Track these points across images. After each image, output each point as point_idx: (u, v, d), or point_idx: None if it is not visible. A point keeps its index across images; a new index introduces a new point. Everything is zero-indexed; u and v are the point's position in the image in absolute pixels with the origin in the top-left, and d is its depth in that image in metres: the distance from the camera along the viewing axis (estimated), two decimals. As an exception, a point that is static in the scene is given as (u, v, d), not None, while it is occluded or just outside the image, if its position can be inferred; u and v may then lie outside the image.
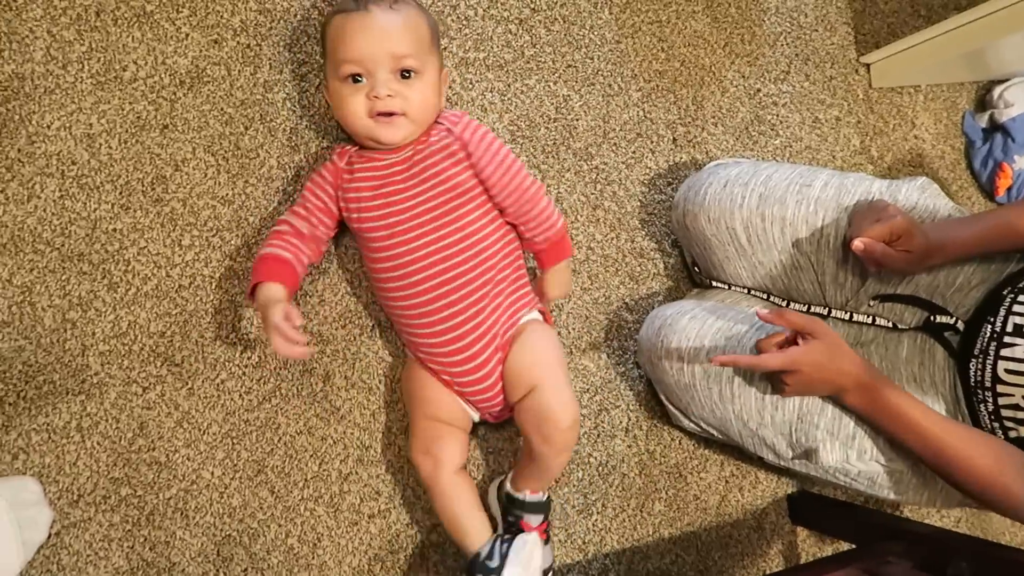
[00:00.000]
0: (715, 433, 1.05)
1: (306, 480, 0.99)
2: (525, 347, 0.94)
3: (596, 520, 1.11)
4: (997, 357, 0.87)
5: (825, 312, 1.02)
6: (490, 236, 0.94)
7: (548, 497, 1.00)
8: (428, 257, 0.90)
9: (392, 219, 0.91)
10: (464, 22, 1.11)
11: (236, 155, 1.00)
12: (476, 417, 1.00)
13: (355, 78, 0.89)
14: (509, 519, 0.99)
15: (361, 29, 0.89)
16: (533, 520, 0.98)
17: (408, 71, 0.90)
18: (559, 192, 1.14)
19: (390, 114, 0.89)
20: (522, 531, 0.95)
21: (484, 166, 0.93)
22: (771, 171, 1.04)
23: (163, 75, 0.98)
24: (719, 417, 1.01)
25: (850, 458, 0.95)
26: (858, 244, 0.90)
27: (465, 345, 0.92)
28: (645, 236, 1.18)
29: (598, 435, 1.12)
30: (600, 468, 1.12)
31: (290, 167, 1.02)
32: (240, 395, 0.98)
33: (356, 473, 1.01)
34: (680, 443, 1.17)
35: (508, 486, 0.99)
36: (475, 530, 0.93)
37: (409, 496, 1.03)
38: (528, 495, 0.97)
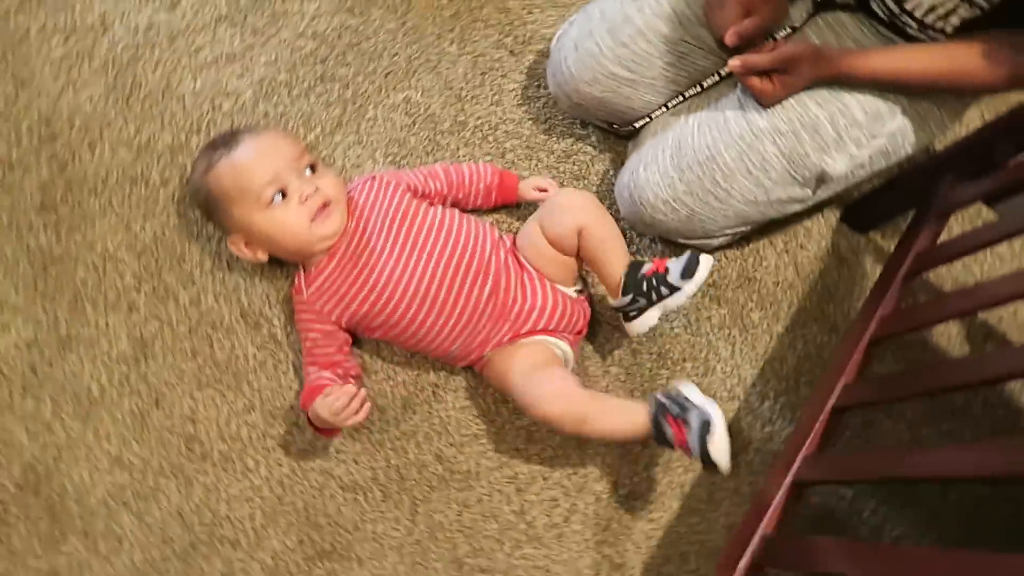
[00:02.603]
0: (743, 229, 1.07)
1: (500, 540, 1.03)
2: (532, 231, 1.03)
3: (724, 363, 1.14)
4: None
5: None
6: (456, 219, 1.02)
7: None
8: (445, 270, 0.97)
9: (388, 277, 0.95)
10: (282, 119, 1.14)
11: (222, 371, 1.03)
12: (569, 351, 1.03)
13: (279, 196, 0.94)
14: (652, 290, 0.96)
15: (255, 155, 0.94)
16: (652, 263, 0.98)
17: (312, 165, 0.97)
18: (468, 170, 1.16)
19: (325, 206, 0.95)
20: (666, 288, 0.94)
21: (411, 180, 1.05)
22: (600, 5, 1.05)
23: (115, 367, 1.02)
24: (734, 214, 1.03)
25: (852, 152, 0.97)
26: (735, 63, 0.92)
27: (523, 296, 1.00)
28: (556, 140, 1.20)
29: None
30: (686, 322, 1.15)
31: (268, 338, 1.05)
32: (395, 537, 1.02)
33: (527, 500, 1.05)
34: (725, 256, 1.19)
35: (622, 284, 0.98)
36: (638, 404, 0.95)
37: (579, 481, 1.07)
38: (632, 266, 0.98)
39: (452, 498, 1.04)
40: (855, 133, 0.97)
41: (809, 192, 1.01)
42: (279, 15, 1.19)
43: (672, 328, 1.14)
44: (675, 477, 1.09)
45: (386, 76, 1.19)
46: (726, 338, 1.16)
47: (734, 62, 0.93)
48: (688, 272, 0.93)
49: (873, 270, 1.24)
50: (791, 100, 0.96)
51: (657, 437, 0.92)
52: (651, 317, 0.98)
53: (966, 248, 0.90)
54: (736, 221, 1.04)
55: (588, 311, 1.07)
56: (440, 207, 1.04)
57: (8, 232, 1.04)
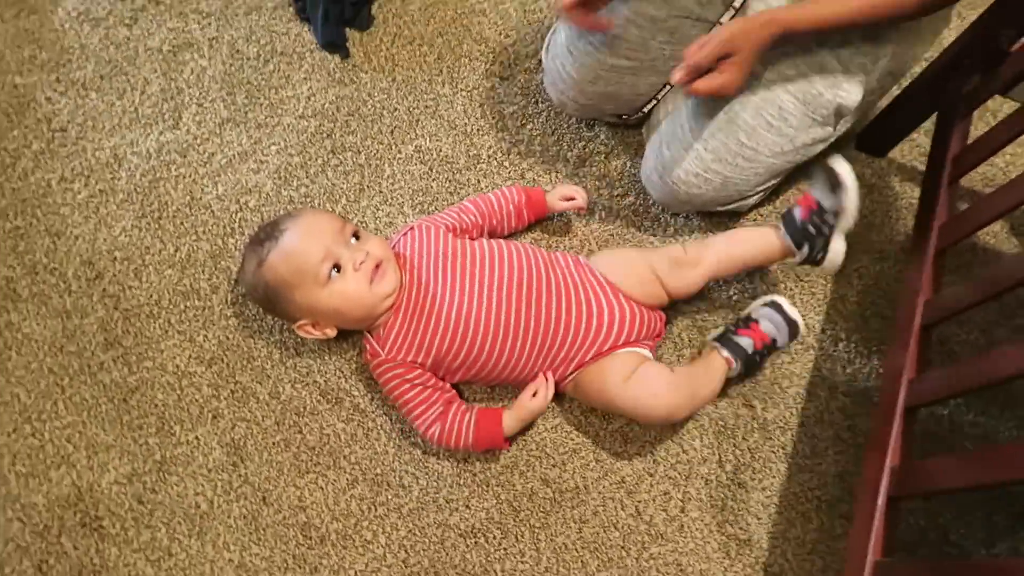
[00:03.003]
0: (774, 182, 1.09)
1: (625, 547, 1.04)
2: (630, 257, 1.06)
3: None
4: None
5: (728, 18, 1.04)
6: (501, 247, 1.03)
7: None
8: (508, 296, 0.98)
9: (456, 317, 0.97)
10: (307, 199, 1.17)
11: (318, 453, 1.05)
12: (651, 356, 1.05)
13: (335, 270, 0.96)
14: (820, 227, 1.00)
15: (302, 237, 0.96)
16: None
17: (355, 233, 0.99)
18: (494, 200, 1.19)
19: (378, 266, 0.97)
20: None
21: (445, 220, 1.06)
22: None
23: (215, 477, 1.04)
24: (765, 170, 1.04)
25: (862, 79, 0.98)
26: (678, 77, 0.91)
27: (598, 307, 1.01)
28: (568, 148, 1.22)
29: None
30: (740, 287, 1.16)
31: (353, 410, 1.07)
32: (525, 570, 1.03)
33: (640, 500, 1.06)
34: (759, 215, 1.20)
35: (792, 244, 1.01)
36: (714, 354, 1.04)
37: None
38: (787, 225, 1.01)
39: (568, 517, 1.05)
40: (859, 60, 0.98)
41: (830, 129, 1.03)
42: (276, 104, 1.22)
43: (731, 297, 1.15)
44: (775, 440, 1.09)
45: (392, 132, 1.21)
46: (784, 292, 1.16)
47: (677, 76, 0.90)
48: (834, 186, 0.96)
49: (903, 188, 1.25)
50: (791, 46, 0.97)
51: (742, 360, 1.02)
52: (839, 246, 1.01)
53: (1002, 141, 0.90)
54: (768, 175, 1.06)
55: (663, 314, 1.08)
56: (481, 239, 1.06)
57: (82, 376, 1.07)
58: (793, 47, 0.97)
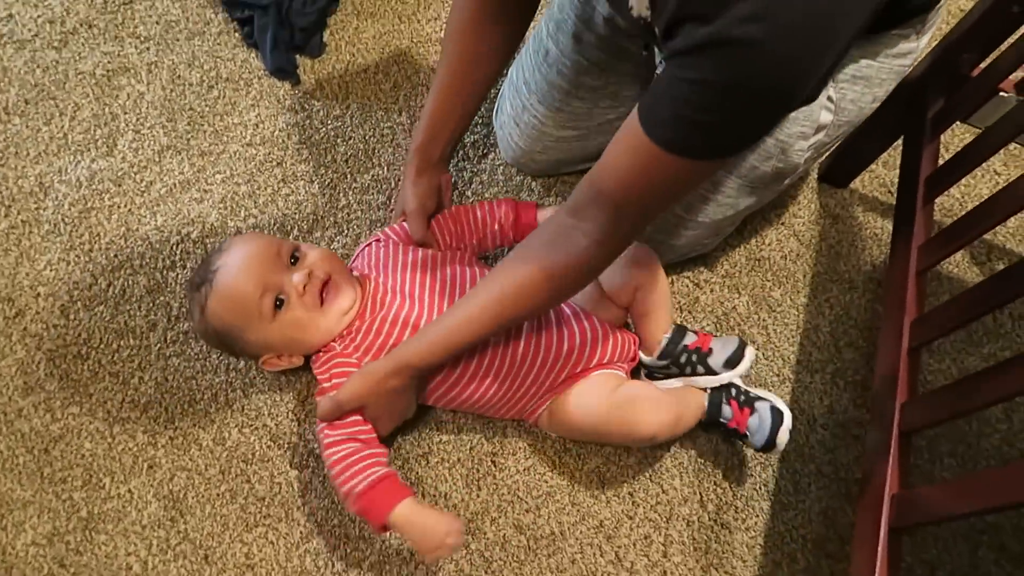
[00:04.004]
0: (729, 230, 1.08)
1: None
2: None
3: (763, 348, 1.12)
4: None
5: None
6: (473, 269, 0.96)
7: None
8: None
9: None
10: (257, 229, 1.09)
11: (268, 504, 0.95)
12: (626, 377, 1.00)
13: (277, 303, 0.87)
14: (689, 364, 0.97)
15: (235, 274, 0.86)
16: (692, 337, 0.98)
17: (294, 252, 0.89)
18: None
19: (326, 283, 0.88)
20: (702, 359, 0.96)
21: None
22: (523, 75, 1.05)
23: (150, 534, 0.93)
24: (709, 232, 1.02)
25: (801, 147, 0.91)
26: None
27: (570, 330, 0.94)
28: (533, 175, 1.18)
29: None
30: (715, 318, 1.12)
31: (307, 456, 0.97)
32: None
33: (620, 546, 0.99)
34: (728, 244, 1.17)
35: (662, 348, 0.96)
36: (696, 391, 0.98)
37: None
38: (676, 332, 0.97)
39: (544, 567, 0.97)
40: (795, 129, 0.88)
41: (774, 189, 0.99)
42: (222, 131, 1.15)
43: (702, 328, 1.11)
44: (756, 477, 1.04)
45: (347, 161, 1.15)
46: (757, 323, 1.13)
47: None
48: (732, 363, 0.94)
49: (867, 218, 1.25)
50: None
51: (709, 415, 0.95)
52: (673, 385, 0.98)
53: (973, 162, 0.89)
54: (714, 232, 1.04)
55: (636, 337, 1.02)
56: (454, 263, 0.98)
57: (-4, 425, 0.95)
58: None
